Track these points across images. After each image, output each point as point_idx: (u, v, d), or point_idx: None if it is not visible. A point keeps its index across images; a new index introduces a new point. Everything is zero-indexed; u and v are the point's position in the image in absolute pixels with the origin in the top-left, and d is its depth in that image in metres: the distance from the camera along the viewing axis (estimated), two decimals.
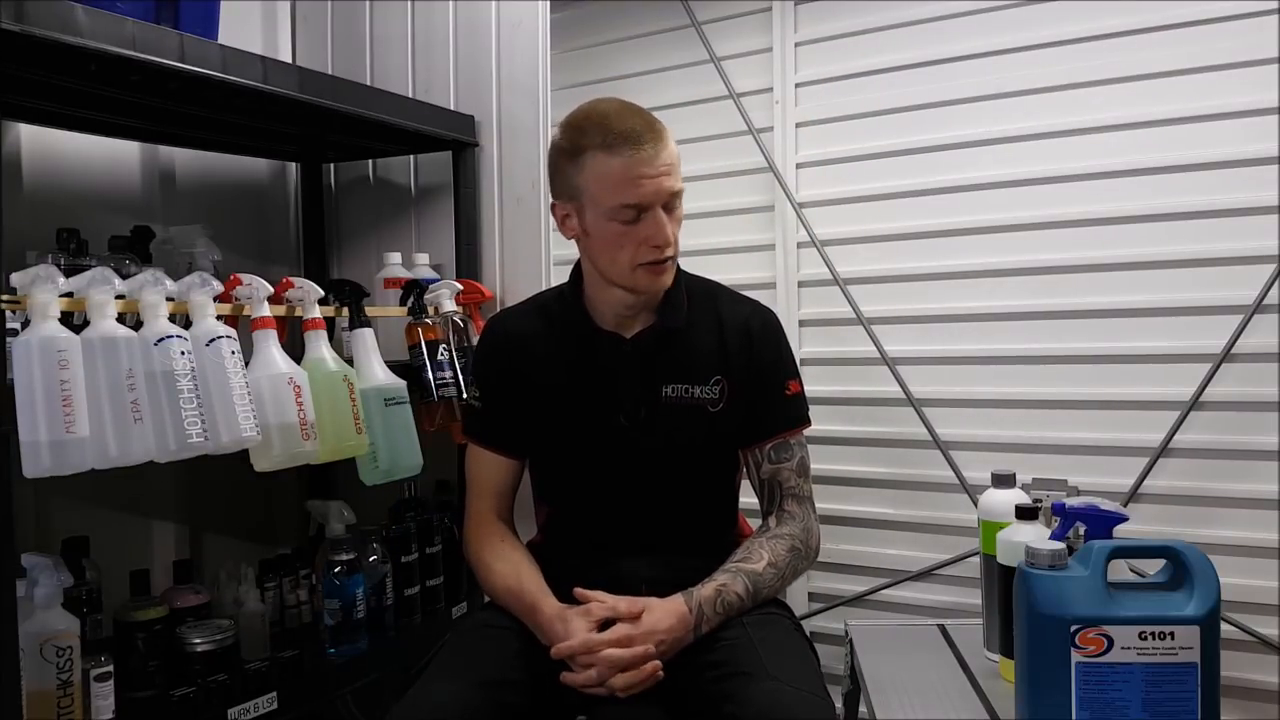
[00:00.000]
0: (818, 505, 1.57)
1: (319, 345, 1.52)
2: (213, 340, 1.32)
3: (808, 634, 1.51)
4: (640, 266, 1.42)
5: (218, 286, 1.38)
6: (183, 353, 1.26)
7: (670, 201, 1.40)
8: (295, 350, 1.50)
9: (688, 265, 1.56)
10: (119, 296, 1.26)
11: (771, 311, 1.59)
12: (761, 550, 1.45)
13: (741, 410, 1.50)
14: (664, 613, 1.35)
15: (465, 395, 1.71)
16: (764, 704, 1.22)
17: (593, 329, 1.51)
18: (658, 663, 1.31)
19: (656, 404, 1.48)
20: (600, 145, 1.37)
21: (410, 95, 1.99)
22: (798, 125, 2.24)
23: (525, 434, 1.54)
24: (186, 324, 1.34)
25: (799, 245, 2.24)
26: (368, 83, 2.04)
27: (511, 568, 1.47)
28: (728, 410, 1.49)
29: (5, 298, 1.18)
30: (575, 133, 1.41)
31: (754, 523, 1.58)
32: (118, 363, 1.21)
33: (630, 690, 1.29)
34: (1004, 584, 1.46)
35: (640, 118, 1.40)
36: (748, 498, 1.57)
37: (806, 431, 1.55)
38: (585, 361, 1.51)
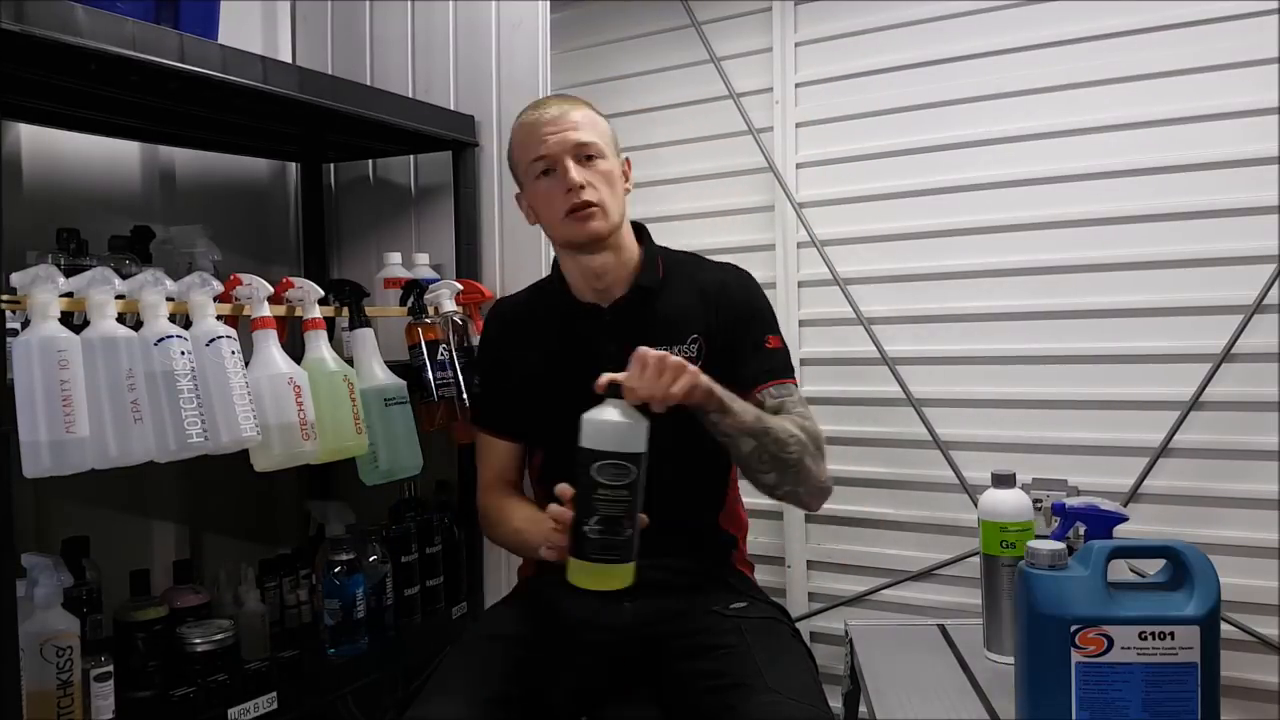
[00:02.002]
0: None
1: (319, 345, 1.52)
2: (213, 340, 1.32)
3: (805, 640, 1.50)
4: (568, 216, 1.45)
5: (218, 286, 1.38)
6: (183, 353, 1.26)
7: (579, 153, 1.44)
8: (295, 350, 1.50)
9: None
10: (119, 296, 1.26)
11: (747, 272, 1.59)
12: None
13: (722, 368, 1.43)
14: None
15: (465, 395, 1.72)
16: (764, 717, 1.21)
17: (573, 303, 1.53)
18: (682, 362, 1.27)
19: None
20: (518, 122, 1.51)
21: (410, 95, 1.99)
22: (798, 125, 2.23)
23: (520, 414, 1.57)
24: (186, 324, 1.34)
25: (799, 245, 2.24)
26: (368, 83, 2.04)
27: (519, 509, 1.50)
28: (706, 369, 1.38)
29: (5, 298, 1.18)
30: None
31: (752, 524, 1.58)
32: (118, 363, 1.21)
33: (670, 394, 1.25)
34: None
35: (560, 97, 1.52)
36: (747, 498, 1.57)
37: None
38: (567, 335, 1.53)
